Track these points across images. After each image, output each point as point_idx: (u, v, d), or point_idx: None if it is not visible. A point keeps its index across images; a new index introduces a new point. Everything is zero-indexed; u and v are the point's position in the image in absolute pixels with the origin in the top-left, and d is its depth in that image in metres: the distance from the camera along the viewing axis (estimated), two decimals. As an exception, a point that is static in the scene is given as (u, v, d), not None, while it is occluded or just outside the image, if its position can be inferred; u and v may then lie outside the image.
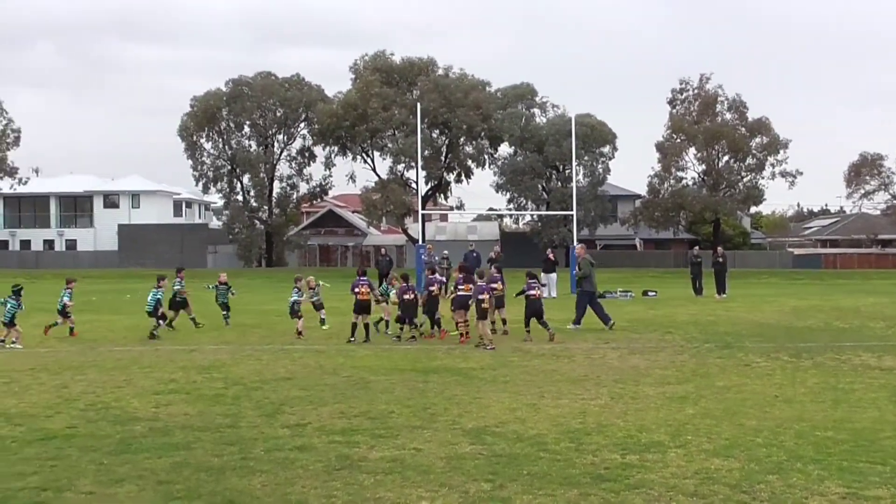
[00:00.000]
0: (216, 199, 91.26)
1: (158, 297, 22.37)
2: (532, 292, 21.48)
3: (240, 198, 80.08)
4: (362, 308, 21.21)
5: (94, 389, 14.23)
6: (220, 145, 79.38)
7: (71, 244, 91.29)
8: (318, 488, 8.50)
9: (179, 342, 21.05)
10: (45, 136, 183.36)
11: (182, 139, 78.07)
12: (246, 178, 79.66)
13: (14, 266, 77.51)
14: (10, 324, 20.18)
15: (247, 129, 79.73)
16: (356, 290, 21.26)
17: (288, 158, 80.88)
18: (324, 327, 23.47)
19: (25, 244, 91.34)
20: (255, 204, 79.96)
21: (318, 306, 24.21)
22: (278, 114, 78.40)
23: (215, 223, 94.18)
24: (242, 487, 8.53)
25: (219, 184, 79.89)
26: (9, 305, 20.14)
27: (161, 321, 22.14)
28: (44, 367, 16.76)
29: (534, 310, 21.45)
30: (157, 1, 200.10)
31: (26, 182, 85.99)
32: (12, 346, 19.88)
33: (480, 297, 20.54)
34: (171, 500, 8.15)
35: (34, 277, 59.96)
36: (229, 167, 78.90)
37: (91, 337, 21.62)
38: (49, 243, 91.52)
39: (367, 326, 21.24)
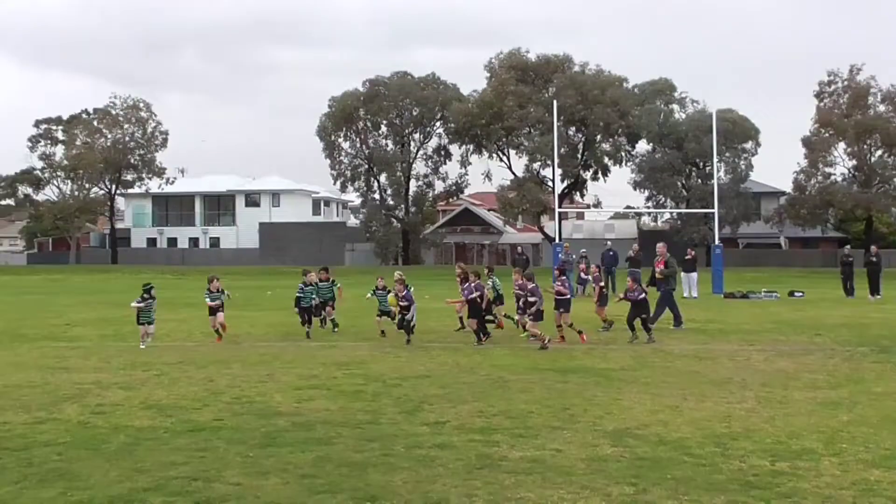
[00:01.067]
0: (353, 197, 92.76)
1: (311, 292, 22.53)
2: (631, 297, 20.85)
3: (377, 196, 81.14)
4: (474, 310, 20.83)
5: (238, 383, 14.56)
6: (358, 144, 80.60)
7: (214, 241, 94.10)
8: (458, 487, 8.46)
9: (319, 339, 21.37)
10: (189, 137, 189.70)
11: (321, 139, 79.58)
12: (383, 177, 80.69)
13: (161, 262, 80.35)
14: (146, 322, 19.82)
15: (383, 128, 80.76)
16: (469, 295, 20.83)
17: (424, 157, 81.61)
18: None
19: (172, 241, 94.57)
20: (391, 202, 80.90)
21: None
22: (414, 113, 79.16)
23: (353, 221, 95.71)
24: (384, 483, 8.55)
25: (356, 182, 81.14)
26: (143, 304, 19.78)
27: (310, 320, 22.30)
28: (191, 361, 17.25)
29: (638, 312, 20.82)
30: (297, 4, 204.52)
31: (173, 182, 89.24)
32: (147, 345, 19.54)
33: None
34: (314, 494, 8.23)
35: (180, 274, 62.10)
36: (366, 166, 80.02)
37: (234, 332, 22.16)
38: (194, 241, 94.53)
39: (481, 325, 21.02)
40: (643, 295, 20.96)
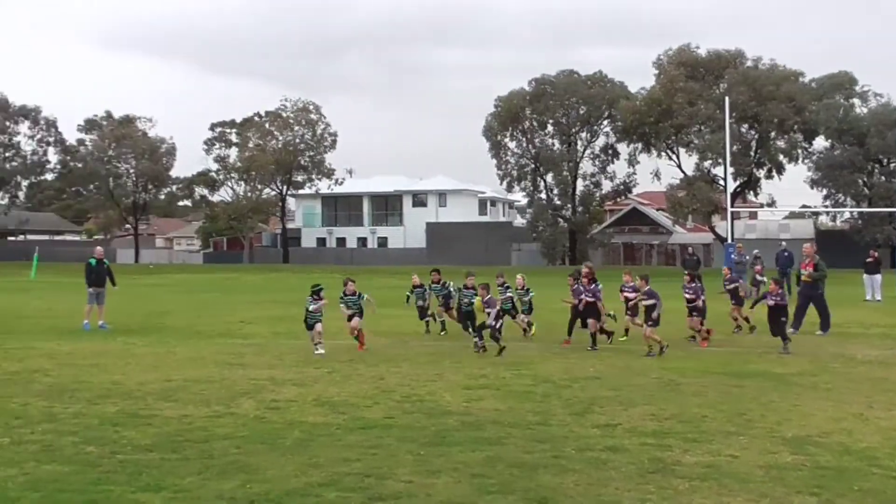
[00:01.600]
0: (520, 197, 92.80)
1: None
2: (770, 302, 19.37)
3: (543, 196, 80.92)
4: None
5: (408, 382, 14.70)
6: (524, 144, 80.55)
7: (382, 241, 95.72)
8: (631, 491, 8.28)
9: (487, 340, 21.34)
10: (357, 139, 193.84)
11: (487, 139, 79.91)
12: (549, 177, 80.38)
13: (331, 262, 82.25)
14: (315, 323, 18.82)
15: (550, 127, 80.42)
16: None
17: (591, 156, 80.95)
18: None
19: (341, 241, 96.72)
20: (558, 202, 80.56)
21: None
22: (581, 111, 78.57)
23: (519, 221, 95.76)
24: (555, 485, 8.45)
25: (522, 182, 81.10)
26: (319, 306, 18.88)
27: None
28: (361, 359, 17.52)
29: (776, 318, 19.25)
30: (462, 5, 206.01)
31: (342, 183, 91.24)
32: (318, 352, 18.42)
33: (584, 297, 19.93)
34: (486, 494, 8.19)
35: (349, 274, 63.33)
36: (533, 165, 79.88)
37: (402, 331, 22.41)
38: (362, 240, 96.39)
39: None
40: (785, 299, 19.54)
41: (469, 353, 18.48)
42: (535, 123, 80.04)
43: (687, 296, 20.20)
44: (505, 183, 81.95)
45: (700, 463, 9.30)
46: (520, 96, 78.41)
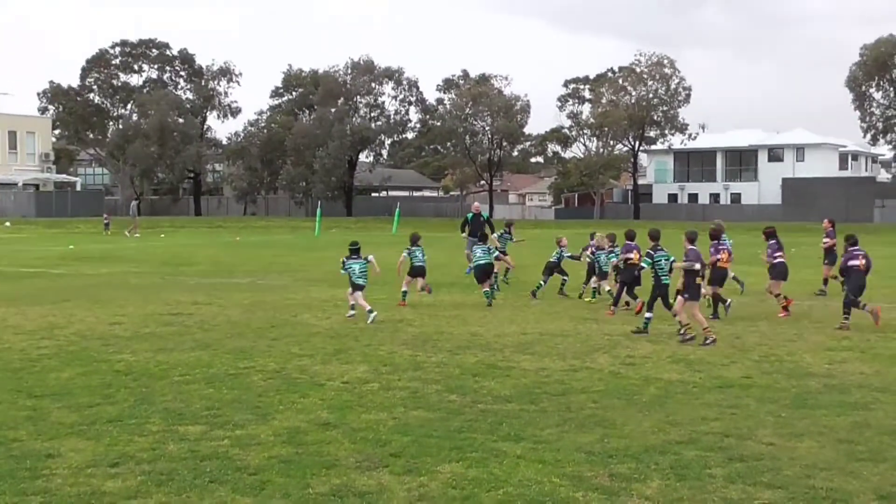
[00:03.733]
0: (885, 150, 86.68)
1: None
2: (855, 263, 16.26)
3: (913, 149, 75.23)
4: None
5: (766, 342, 14.24)
6: (892, 94, 75.15)
7: (735, 198, 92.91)
8: None
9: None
10: (711, 93, 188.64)
11: (850, 90, 75.52)
12: (920, 127, 74.57)
13: (682, 218, 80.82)
14: (357, 287, 16.99)
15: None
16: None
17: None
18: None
19: (693, 197, 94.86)
20: (930, 154, 74.60)
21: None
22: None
23: (883, 176, 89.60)
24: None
25: (889, 135, 75.92)
26: (351, 267, 17.12)
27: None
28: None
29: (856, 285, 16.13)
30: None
31: (695, 137, 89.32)
32: (350, 314, 16.96)
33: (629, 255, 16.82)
34: (854, 461, 7.83)
35: (701, 230, 61.88)
36: (902, 117, 74.44)
37: (760, 289, 21.58)
38: (714, 196, 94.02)
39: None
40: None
41: (833, 314, 17.33)
42: (905, 71, 74.42)
43: None
44: (869, 136, 77.08)
45: None
46: (889, 44, 73.12)
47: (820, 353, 13.13)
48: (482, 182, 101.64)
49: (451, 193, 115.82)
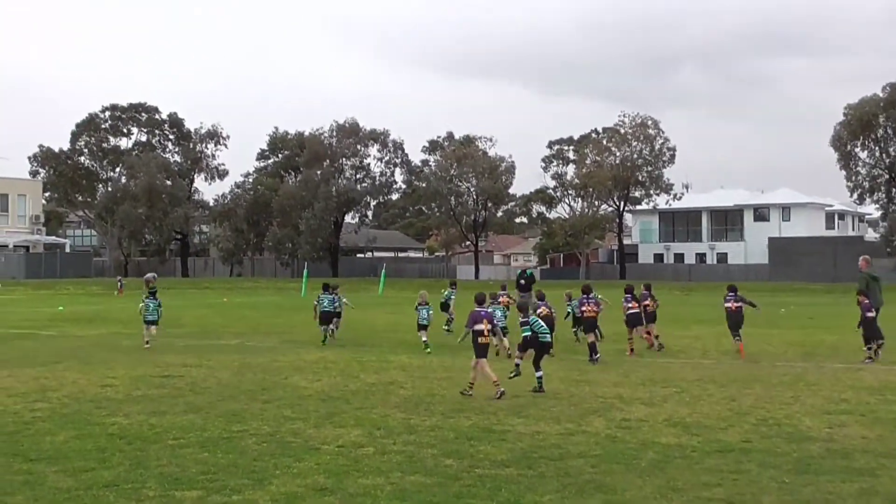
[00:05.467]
0: (872, 210, 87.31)
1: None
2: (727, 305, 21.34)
3: (898, 208, 75.81)
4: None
5: (763, 404, 14.12)
6: (877, 154, 75.97)
7: (721, 257, 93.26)
8: None
9: (846, 360, 20.13)
10: (691, 153, 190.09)
11: (835, 149, 76.21)
12: (905, 187, 75.23)
13: (668, 278, 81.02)
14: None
15: (906, 135, 75.37)
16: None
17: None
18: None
19: (679, 257, 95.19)
20: (915, 215, 75.18)
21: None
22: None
23: (871, 235, 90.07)
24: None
25: (875, 194, 76.72)
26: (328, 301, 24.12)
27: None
28: (711, 379, 17.02)
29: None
30: (799, 13, 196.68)
31: (680, 198, 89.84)
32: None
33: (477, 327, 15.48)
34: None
35: (688, 290, 62.15)
36: (887, 176, 75.19)
37: (752, 351, 21.56)
38: (701, 256, 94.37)
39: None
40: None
41: (826, 376, 17.43)
42: (889, 131, 75.21)
43: None
44: (855, 195, 77.60)
45: None
46: (872, 103, 73.98)
47: (819, 417, 13.01)
48: (467, 243, 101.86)
49: (436, 254, 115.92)
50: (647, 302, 22.71)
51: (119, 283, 58.25)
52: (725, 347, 22.14)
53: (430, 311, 22.66)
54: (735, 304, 21.30)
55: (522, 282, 30.70)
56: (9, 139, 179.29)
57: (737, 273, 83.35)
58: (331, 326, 24.09)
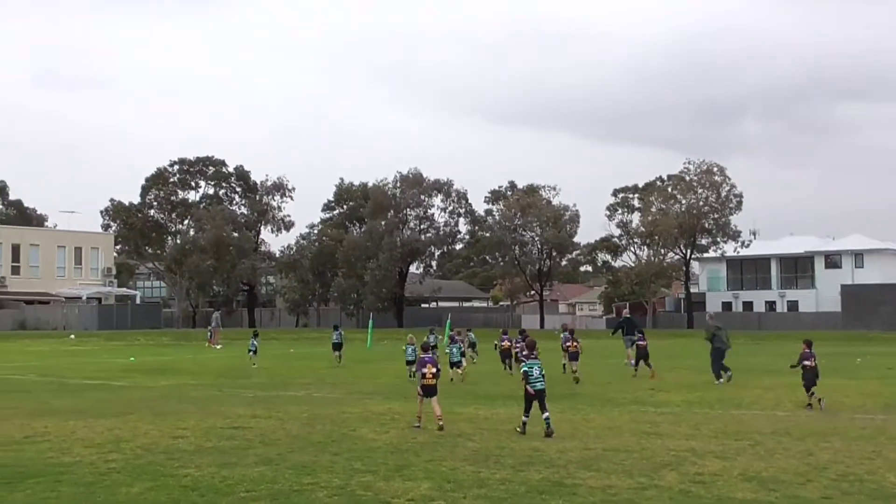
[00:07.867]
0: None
1: None
2: (806, 363, 20.67)
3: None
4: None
5: (842, 459, 13.77)
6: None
7: (792, 305, 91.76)
8: None
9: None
10: (760, 199, 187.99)
11: (907, 195, 74.72)
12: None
13: (737, 327, 79.76)
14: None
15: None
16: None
17: None
18: None
19: (748, 305, 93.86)
20: None
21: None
22: None
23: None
24: None
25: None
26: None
27: None
28: (786, 432, 16.68)
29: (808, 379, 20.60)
30: (861, 59, 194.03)
31: (748, 245, 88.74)
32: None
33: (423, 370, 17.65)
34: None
35: (758, 339, 61.16)
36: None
37: (829, 404, 21.08)
38: (770, 304, 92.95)
39: None
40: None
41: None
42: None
43: None
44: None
45: None
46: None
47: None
48: (532, 292, 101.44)
49: (501, 304, 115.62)
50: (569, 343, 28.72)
51: (210, 333, 56.37)
52: (800, 399, 21.66)
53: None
54: (814, 362, 20.77)
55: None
56: (82, 195, 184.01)
57: (808, 321, 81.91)
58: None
